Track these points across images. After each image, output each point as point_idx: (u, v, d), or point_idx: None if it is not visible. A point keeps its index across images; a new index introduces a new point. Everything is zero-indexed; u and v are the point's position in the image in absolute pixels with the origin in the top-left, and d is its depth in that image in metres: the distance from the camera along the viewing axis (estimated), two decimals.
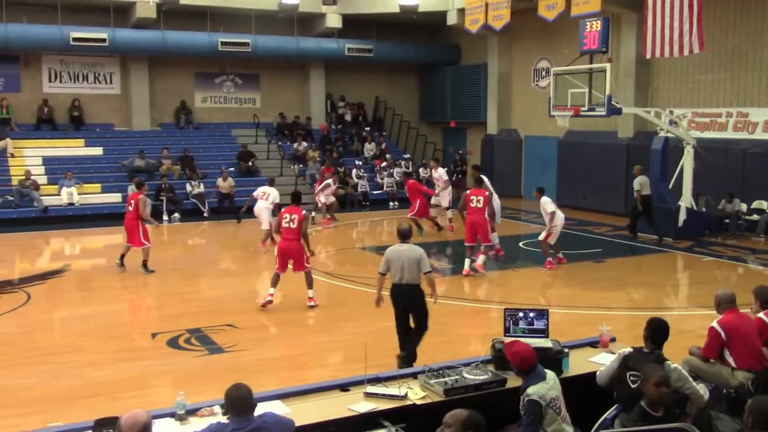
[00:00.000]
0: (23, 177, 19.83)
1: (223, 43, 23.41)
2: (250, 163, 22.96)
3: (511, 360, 5.12)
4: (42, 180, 20.26)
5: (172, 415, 5.00)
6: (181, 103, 24.68)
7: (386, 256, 8.02)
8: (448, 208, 17.49)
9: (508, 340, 5.67)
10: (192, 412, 5.05)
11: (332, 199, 19.19)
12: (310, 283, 10.83)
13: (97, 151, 22.25)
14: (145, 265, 13.22)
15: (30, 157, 21.13)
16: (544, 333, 6.08)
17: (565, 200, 19.36)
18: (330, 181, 18.94)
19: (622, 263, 14.65)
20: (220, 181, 20.94)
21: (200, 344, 9.05)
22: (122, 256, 13.42)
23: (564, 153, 22.09)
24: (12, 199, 19.23)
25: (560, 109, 16.50)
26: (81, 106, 23.28)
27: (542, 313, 6.20)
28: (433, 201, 17.52)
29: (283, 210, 11.16)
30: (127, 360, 8.62)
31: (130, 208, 13.33)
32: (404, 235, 8.18)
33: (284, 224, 10.72)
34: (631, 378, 5.12)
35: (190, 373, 8.11)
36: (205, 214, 20.21)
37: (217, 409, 5.02)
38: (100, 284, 12.81)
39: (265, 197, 15.63)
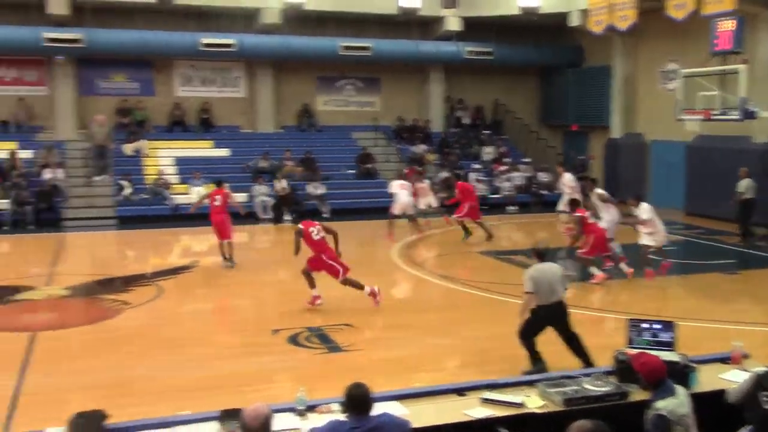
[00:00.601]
0: (156, 176, 20.95)
1: (344, 48, 23.85)
2: (369, 166, 23.27)
3: (640, 371, 4.90)
4: (174, 179, 21.31)
5: (292, 410, 5.13)
6: (303, 106, 25.32)
7: (531, 276, 7.83)
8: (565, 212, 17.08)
9: (632, 351, 5.48)
10: (311, 408, 5.16)
11: (430, 201, 19.13)
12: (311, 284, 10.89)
13: (225, 152, 23.16)
14: (230, 258, 13.83)
15: (163, 158, 22.27)
16: (670, 346, 5.84)
17: (694, 208, 18.51)
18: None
19: (758, 275, 13.85)
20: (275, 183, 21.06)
21: (320, 342, 9.24)
22: (227, 256, 13.94)
23: (693, 158, 21.10)
24: (147, 197, 20.32)
25: (690, 113, 15.81)
26: (210, 109, 24.32)
27: (668, 326, 5.96)
28: (561, 207, 17.18)
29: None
30: (249, 354, 8.92)
31: (216, 203, 14.00)
32: (542, 254, 8.09)
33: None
34: (764, 398, 4.84)
35: (310, 370, 8.29)
36: (325, 215, 20.64)
37: (336, 406, 5.11)
38: (225, 280, 13.30)
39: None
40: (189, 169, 21.40)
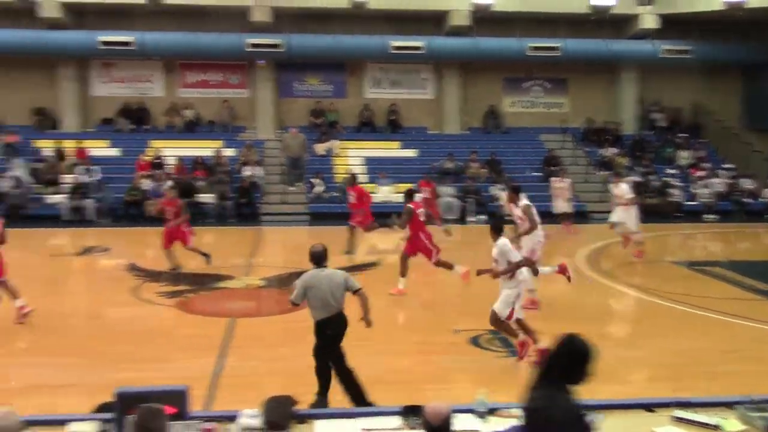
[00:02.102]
0: (346, 175, 21.74)
1: (532, 48, 23.49)
2: (555, 168, 22.76)
3: None
4: (363, 178, 22.01)
5: (472, 411, 5.13)
6: (489, 107, 25.24)
7: None
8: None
9: None
10: (492, 411, 5.13)
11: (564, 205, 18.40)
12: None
13: (412, 153, 23.60)
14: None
15: (352, 157, 23.08)
16: None
17: None
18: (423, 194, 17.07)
19: None
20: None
21: (502, 346, 9.16)
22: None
23: None
24: (336, 195, 21.16)
25: None
26: (398, 111, 24.87)
27: None
28: (616, 218, 15.32)
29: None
30: (429, 353, 9.02)
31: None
32: None
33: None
34: None
35: (491, 373, 8.24)
36: (509, 217, 20.47)
37: (517, 412, 5.05)
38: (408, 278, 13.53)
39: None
40: (377, 169, 22.00)
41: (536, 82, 25.90)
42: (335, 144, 23.42)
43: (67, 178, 20.93)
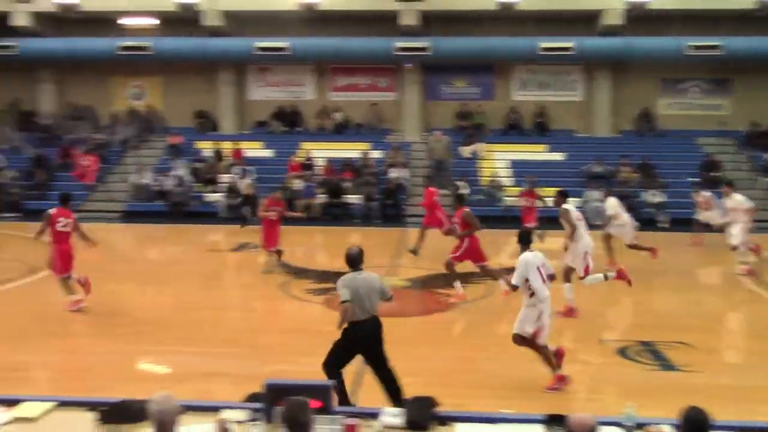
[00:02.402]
0: (491, 178, 21.58)
1: (692, 47, 22.35)
2: (715, 174, 21.51)
3: None
4: (507, 182, 21.78)
5: (619, 425, 4.95)
6: (643, 109, 24.26)
7: None
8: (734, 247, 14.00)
9: None
10: (640, 426, 4.93)
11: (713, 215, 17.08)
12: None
13: (559, 156, 23.09)
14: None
15: (498, 160, 22.88)
16: None
17: None
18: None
19: None
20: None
21: (652, 358, 8.77)
22: None
23: None
24: (482, 198, 21.04)
25: None
26: (545, 113, 24.40)
27: None
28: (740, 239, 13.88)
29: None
30: (574, 361, 8.75)
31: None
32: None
33: None
34: None
35: (639, 385, 7.91)
36: (663, 225, 19.58)
37: (667, 428, 4.82)
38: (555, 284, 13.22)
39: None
40: (523, 173, 21.68)
41: (695, 82, 24.62)
42: (481, 147, 23.31)
43: (224, 178, 22.06)
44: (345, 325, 6.72)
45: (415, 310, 11.36)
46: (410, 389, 6.81)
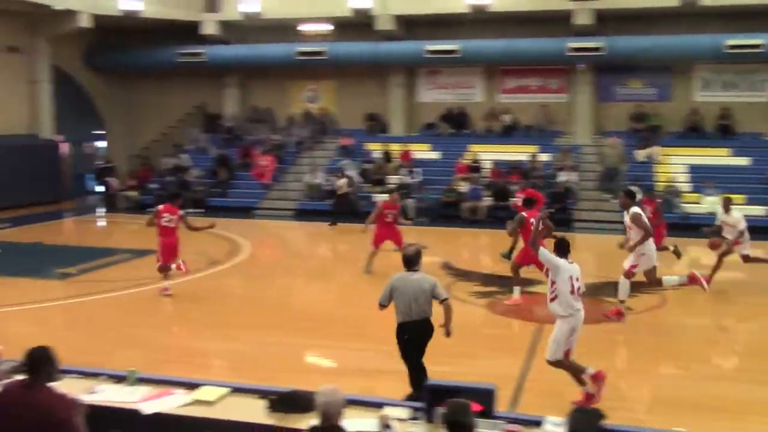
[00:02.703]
0: (667, 183, 20.52)
1: None
2: None
3: None
4: (685, 187, 20.63)
5: None
6: None
7: None
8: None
9: None
10: None
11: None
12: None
13: (744, 161, 21.56)
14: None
15: (675, 164, 21.71)
16: None
17: None
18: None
19: None
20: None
21: None
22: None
23: None
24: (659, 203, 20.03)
25: None
26: (730, 115, 22.87)
27: None
28: None
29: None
30: (752, 381, 8.16)
31: None
32: None
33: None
34: None
35: None
36: None
37: None
38: (738, 297, 12.41)
39: None
40: (702, 178, 20.46)
41: None
42: (657, 150, 22.21)
43: (393, 179, 22.46)
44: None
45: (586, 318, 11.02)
46: (567, 399, 6.63)
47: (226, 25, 26.04)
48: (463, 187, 21.52)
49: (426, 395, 5.06)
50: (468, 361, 8.71)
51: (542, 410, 5.50)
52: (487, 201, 21.14)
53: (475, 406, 4.57)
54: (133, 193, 23.94)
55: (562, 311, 7.23)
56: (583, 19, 22.47)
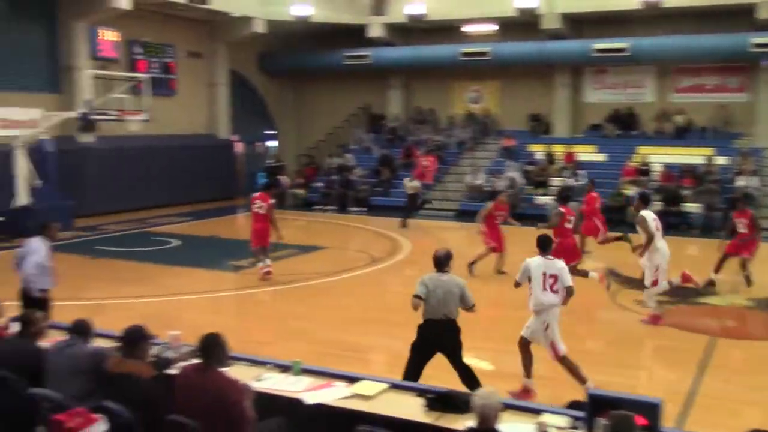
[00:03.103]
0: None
1: None
2: None
3: None
4: None
5: None
6: None
7: None
8: None
9: None
10: None
11: None
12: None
13: None
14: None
15: None
16: None
17: None
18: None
19: None
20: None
21: None
22: None
23: None
24: None
25: None
26: None
27: None
28: None
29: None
30: None
31: None
32: None
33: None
34: None
35: None
36: None
37: None
38: None
39: None
40: None
41: None
42: None
43: (555, 181, 21.96)
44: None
45: (760, 333, 10.30)
46: (746, 420, 6.18)
47: (391, 27, 26.52)
48: (630, 190, 20.65)
49: (588, 404, 4.90)
50: (630, 372, 8.37)
51: (711, 428, 5.18)
52: (657, 206, 20.15)
53: (639, 420, 4.38)
54: (301, 191, 24.93)
55: (531, 306, 7.51)
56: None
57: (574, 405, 5.42)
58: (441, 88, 27.37)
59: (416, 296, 6.89)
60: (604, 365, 8.52)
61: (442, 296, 6.90)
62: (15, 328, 6.81)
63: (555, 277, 7.39)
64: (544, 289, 7.39)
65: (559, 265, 7.48)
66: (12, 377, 5.61)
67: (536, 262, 7.47)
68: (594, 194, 15.75)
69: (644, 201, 11.03)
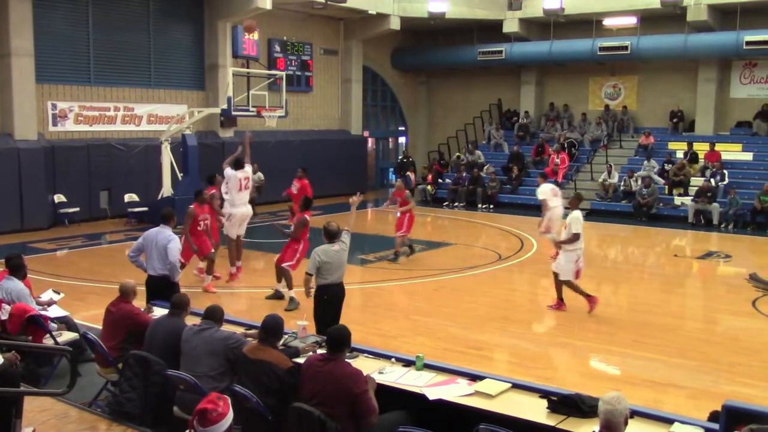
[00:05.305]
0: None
1: None
2: None
3: None
4: None
5: None
6: None
7: None
8: None
9: None
10: None
11: None
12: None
13: None
14: None
15: None
16: None
17: None
18: None
19: None
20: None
21: None
22: None
23: None
24: None
25: None
26: None
27: None
28: None
29: None
30: None
31: None
32: None
33: None
34: None
35: None
36: None
37: None
38: None
39: None
40: None
41: None
42: None
43: (696, 181, 20.93)
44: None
45: None
46: None
47: (527, 22, 26.09)
48: None
49: (723, 416, 4.65)
50: None
51: None
52: None
53: None
54: (429, 187, 25.00)
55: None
56: None
57: (713, 416, 5.15)
58: (576, 84, 26.66)
59: (307, 273, 7.90)
60: (743, 376, 8.07)
61: (337, 264, 7.92)
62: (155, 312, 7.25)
63: None
64: None
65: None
66: (154, 359, 5.98)
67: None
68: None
69: (579, 199, 11.39)
